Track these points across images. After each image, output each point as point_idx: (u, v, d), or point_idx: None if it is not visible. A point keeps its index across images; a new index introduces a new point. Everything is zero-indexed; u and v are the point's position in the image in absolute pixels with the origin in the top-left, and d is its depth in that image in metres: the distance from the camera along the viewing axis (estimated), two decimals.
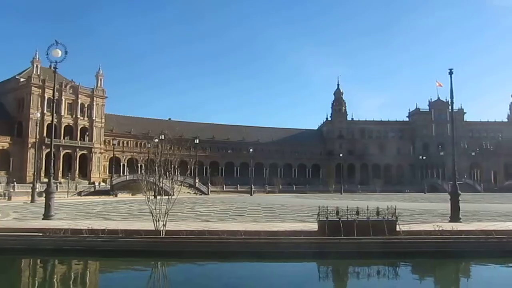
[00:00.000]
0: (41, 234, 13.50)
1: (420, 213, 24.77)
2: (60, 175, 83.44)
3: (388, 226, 12.83)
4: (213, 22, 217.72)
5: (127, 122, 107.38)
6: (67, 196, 57.99)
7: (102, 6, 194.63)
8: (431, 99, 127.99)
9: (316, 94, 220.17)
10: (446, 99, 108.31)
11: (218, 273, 11.09)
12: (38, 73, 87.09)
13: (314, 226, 14.07)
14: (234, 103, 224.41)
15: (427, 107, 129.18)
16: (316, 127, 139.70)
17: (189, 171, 78.00)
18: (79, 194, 67.85)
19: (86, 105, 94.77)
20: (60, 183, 70.19)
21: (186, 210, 27.75)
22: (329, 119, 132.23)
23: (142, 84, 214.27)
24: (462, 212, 19.14)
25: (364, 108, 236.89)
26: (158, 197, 13.64)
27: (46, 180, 49.87)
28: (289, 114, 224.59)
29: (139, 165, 57.50)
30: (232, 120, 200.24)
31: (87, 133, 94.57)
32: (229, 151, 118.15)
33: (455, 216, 18.47)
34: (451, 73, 20.96)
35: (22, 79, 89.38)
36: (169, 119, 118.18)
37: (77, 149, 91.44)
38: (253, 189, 78.42)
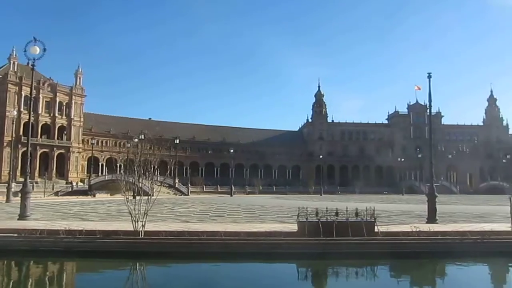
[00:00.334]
0: (16, 234, 13.24)
1: (398, 214, 25.10)
2: (36, 174, 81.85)
3: (367, 227, 12.98)
4: (193, 22, 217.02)
5: (107, 121, 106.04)
6: (44, 196, 56.88)
7: (83, 4, 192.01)
8: (410, 102, 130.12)
9: (297, 95, 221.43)
10: (424, 103, 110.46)
11: (197, 274, 11.04)
12: (15, 70, 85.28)
13: (293, 227, 14.13)
14: (215, 103, 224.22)
15: (406, 110, 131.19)
16: (296, 129, 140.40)
17: (169, 171, 77.37)
18: (56, 194, 66.68)
19: (64, 104, 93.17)
20: (36, 182, 68.78)
21: (166, 210, 27.53)
22: (310, 120, 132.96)
23: (123, 83, 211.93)
24: (438, 213, 19.48)
25: (345, 110, 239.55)
26: (137, 198, 13.52)
27: (22, 179, 48.89)
28: (270, 115, 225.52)
29: (118, 165, 56.83)
30: (213, 121, 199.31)
31: (65, 132, 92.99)
32: (209, 152, 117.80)
33: (432, 217, 18.78)
34: (429, 77, 21.28)
35: None
36: (149, 119, 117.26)
37: (55, 148, 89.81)
38: (233, 190, 78.31)
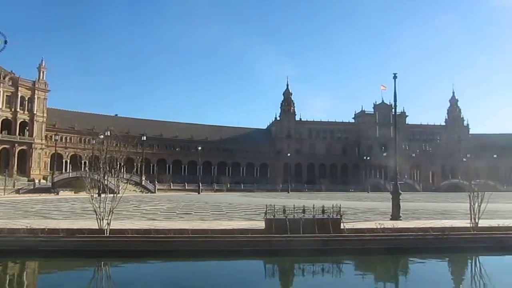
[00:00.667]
0: None
1: (364, 211, 25.61)
2: None
3: (333, 224, 13.19)
4: (161, 19, 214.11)
5: (71, 117, 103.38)
6: (4, 194, 55.07)
7: None
8: (376, 102, 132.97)
9: (266, 93, 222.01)
10: (390, 102, 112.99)
11: (163, 272, 10.94)
12: None
13: (261, 224, 14.21)
14: (183, 100, 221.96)
15: (372, 110, 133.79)
16: (265, 127, 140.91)
17: (135, 169, 76.28)
18: (17, 192, 64.80)
19: (26, 98, 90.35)
20: None
21: (132, 208, 27.19)
22: (278, 119, 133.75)
23: (89, 79, 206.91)
24: (402, 210, 19.99)
25: (313, 108, 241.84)
26: (103, 195, 13.29)
27: None
28: (239, 113, 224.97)
29: (83, 162, 55.68)
30: (181, 118, 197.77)
31: (27, 128, 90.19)
32: (177, 149, 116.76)
33: (396, 214, 19.25)
34: (395, 77, 21.77)
35: None
36: (116, 115, 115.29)
37: (16, 145, 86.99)
38: (201, 187, 78.03)
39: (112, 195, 13.13)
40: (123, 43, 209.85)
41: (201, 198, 51.24)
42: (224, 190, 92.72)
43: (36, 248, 11.64)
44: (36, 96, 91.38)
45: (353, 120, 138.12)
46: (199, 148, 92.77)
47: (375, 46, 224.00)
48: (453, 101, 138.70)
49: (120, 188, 14.04)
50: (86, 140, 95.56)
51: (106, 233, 12.54)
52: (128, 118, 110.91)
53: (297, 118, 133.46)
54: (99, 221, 12.79)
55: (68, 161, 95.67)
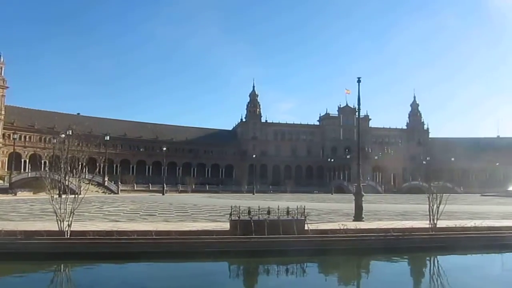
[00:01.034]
0: None
1: (327, 212, 25.98)
2: None
3: (297, 225, 13.33)
4: (128, 20, 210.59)
5: (31, 115, 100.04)
6: None
7: None
8: (340, 105, 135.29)
9: (232, 94, 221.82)
10: (353, 106, 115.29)
11: (126, 275, 10.76)
12: None
13: (226, 226, 14.20)
14: (148, 101, 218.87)
15: (337, 113, 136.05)
16: (230, 128, 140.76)
17: (98, 169, 74.54)
18: None
19: None
20: None
21: (94, 209, 26.62)
22: (244, 120, 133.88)
23: (50, 77, 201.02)
24: (365, 211, 20.38)
25: (279, 110, 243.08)
26: (63, 196, 12.94)
27: None
28: (205, 114, 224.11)
29: (43, 161, 53.94)
30: (146, 118, 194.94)
31: None
32: (141, 149, 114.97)
33: (358, 215, 19.62)
34: (359, 81, 22.17)
35: None
36: (78, 114, 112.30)
37: None
38: (165, 188, 77.08)
39: (73, 196, 12.81)
40: (82, 40, 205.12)
41: (165, 199, 50.68)
42: (189, 191, 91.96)
43: None
44: None
45: (318, 123, 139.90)
46: (164, 148, 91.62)
47: (340, 49, 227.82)
48: (414, 106, 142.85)
49: (81, 189, 13.71)
50: (47, 139, 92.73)
51: (67, 235, 12.24)
52: (91, 117, 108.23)
53: (263, 120, 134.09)
54: (59, 222, 12.45)
55: (27, 160, 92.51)
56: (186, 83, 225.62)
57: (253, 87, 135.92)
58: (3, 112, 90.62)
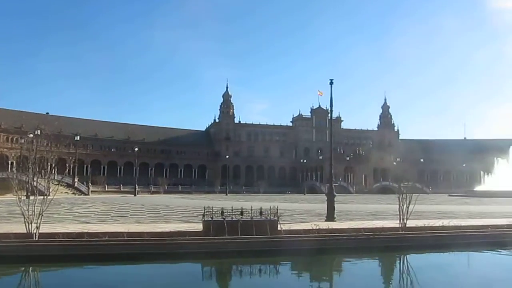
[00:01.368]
0: None
1: (300, 213, 26.16)
2: None
3: (270, 225, 13.39)
4: (103, 21, 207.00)
5: None
6: None
7: None
8: (313, 106, 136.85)
9: (205, 95, 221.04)
10: (326, 107, 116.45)
11: (97, 277, 10.57)
12: None
13: (199, 227, 14.13)
14: (120, 100, 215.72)
15: (309, 114, 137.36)
16: (203, 128, 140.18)
17: (68, 170, 73.07)
18: None
19: None
20: None
21: (63, 211, 26.05)
22: (217, 120, 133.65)
23: (18, 74, 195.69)
24: (337, 212, 20.63)
25: (252, 111, 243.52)
26: (31, 197, 12.61)
27: None
28: (177, 115, 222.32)
29: (9, 162, 52.41)
30: (117, 118, 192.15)
31: None
32: (112, 150, 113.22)
33: (330, 215, 19.83)
34: (331, 83, 22.38)
35: None
36: (47, 113, 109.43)
37: None
38: (137, 189, 76.18)
39: (41, 197, 12.51)
40: (64, 44, 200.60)
41: (137, 200, 50.02)
42: (162, 192, 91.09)
43: None
44: None
45: (291, 124, 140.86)
46: (136, 149, 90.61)
47: (312, 49, 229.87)
48: (385, 107, 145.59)
49: (50, 190, 13.38)
50: (14, 139, 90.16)
51: (35, 238, 11.93)
52: (60, 116, 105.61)
53: (236, 121, 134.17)
54: (27, 224, 12.13)
55: None
56: (158, 83, 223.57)
57: (227, 87, 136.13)
58: None
